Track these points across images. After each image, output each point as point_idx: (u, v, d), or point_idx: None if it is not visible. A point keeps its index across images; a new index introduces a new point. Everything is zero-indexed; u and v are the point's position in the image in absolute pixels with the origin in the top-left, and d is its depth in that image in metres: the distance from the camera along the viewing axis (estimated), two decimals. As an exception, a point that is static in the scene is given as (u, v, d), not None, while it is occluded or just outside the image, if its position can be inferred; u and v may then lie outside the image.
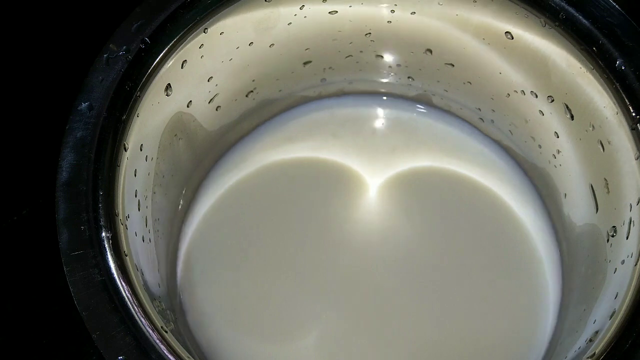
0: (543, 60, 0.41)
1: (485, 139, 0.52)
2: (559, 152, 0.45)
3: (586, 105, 0.40)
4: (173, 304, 0.44)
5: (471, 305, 0.47)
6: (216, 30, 0.41)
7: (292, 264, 0.48)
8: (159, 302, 0.38)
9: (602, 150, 0.39)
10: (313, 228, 0.49)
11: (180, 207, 0.48)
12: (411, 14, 0.44)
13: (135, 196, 0.39)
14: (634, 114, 0.36)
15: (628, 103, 0.36)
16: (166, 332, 0.34)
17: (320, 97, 0.53)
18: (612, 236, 0.39)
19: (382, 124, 0.53)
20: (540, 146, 0.47)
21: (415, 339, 0.46)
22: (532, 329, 0.46)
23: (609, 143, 0.39)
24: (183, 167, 0.47)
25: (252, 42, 0.44)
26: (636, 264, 0.36)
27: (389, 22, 0.45)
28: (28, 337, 0.47)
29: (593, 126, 0.40)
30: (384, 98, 0.54)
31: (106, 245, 0.34)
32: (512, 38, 0.42)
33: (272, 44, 0.45)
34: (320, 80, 0.51)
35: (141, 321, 0.33)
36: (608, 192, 0.40)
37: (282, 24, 0.44)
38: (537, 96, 0.44)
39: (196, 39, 0.40)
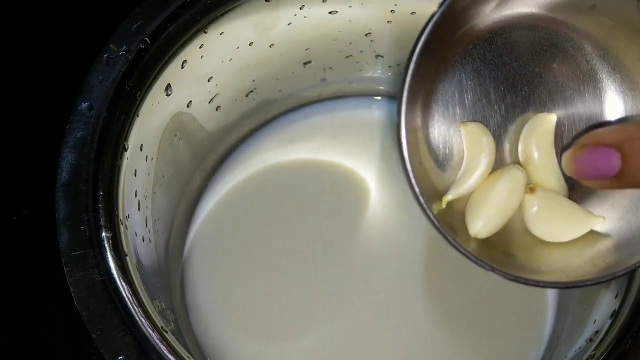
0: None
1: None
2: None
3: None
4: (173, 304, 0.44)
5: (470, 305, 0.47)
6: (216, 30, 0.41)
7: (292, 265, 0.48)
8: (159, 302, 0.38)
9: (602, 150, 0.39)
10: (313, 229, 0.49)
11: (180, 207, 0.48)
12: (411, 14, 0.44)
13: (135, 196, 0.39)
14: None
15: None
16: (166, 332, 0.34)
17: (320, 98, 0.53)
18: (612, 236, 0.39)
19: (383, 125, 0.53)
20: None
21: (415, 339, 0.46)
22: (532, 329, 0.46)
23: (609, 143, 0.39)
24: (183, 167, 0.47)
25: (252, 42, 0.44)
26: (636, 264, 0.36)
27: (389, 22, 0.45)
28: (28, 337, 0.47)
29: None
30: (384, 98, 0.54)
31: (106, 245, 0.34)
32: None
33: (272, 44, 0.45)
34: (320, 80, 0.51)
35: (141, 321, 0.33)
36: (608, 192, 0.40)
37: (282, 24, 0.44)
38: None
39: (196, 39, 0.40)
